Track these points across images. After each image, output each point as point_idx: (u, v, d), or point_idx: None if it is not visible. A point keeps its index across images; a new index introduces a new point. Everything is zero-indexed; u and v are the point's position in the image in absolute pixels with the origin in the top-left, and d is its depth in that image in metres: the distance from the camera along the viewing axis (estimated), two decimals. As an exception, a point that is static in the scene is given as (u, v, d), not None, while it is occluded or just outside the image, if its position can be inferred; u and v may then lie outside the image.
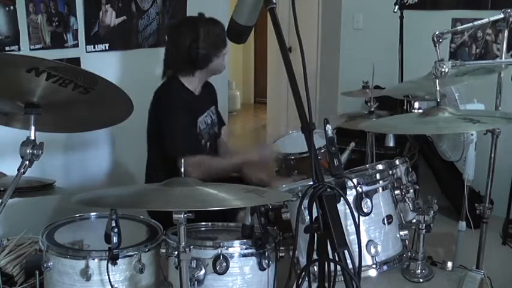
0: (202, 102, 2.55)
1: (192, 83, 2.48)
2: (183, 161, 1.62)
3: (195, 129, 2.45)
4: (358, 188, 1.69)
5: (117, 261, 1.67)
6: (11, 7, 2.48)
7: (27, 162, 1.48)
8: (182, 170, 1.60)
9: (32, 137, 1.50)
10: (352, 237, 1.61)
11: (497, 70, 2.30)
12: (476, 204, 2.44)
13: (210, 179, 2.22)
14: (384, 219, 1.76)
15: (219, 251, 1.62)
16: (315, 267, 1.39)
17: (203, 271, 1.62)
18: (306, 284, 1.39)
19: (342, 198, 1.34)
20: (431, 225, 1.83)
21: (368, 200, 1.70)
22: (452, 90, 2.50)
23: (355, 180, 1.69)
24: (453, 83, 2.31)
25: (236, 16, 1.55)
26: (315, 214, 1.29)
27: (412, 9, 3.92)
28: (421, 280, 1.83)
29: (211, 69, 2.47)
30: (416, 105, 2.52)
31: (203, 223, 1.92)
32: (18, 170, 1.49)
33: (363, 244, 1.69)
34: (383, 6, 3.82)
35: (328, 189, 1.29)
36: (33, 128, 1.51)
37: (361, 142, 2.86)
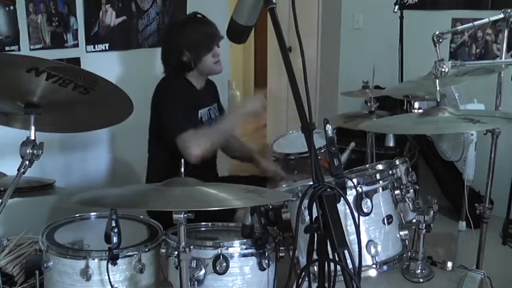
0: (205, 96, 2.54)
1: (192, 79, 2.47)
2: (183, 161, 1.62)
3: (195, 116, 2.43)
4: (358, 188, 1.69)
5: (117, 261, 1.67)
6: (11, 7, 2.48)
7: (27, 162, 1.49)
8: (182, 170, 1.60)
9: (32, 137, 1.50)
10: (352, 237, 1.61)
11: (497, 70, 2.29)
12: (476, 204, 2.44)
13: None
14: (384, 219, 1.76)
15: (219, 251, 1.62)
16: (315, 267, 1.39)
17: (203, 271, 1.62)
18: (306, 284, 1.39)
19: (342, 198, 1.34)
20: (431, 225, 1.83)
21: (368, 200, 1.70)
22: (452, 90, 2.50)
23: (355, 180, 1.69)
24: (453, 83, 2.30)
25: (236, 16, 1.55)
26: (315, 214, 1.29)
27: (412, 9, 3.92)
28: (421, 280, 1.83)
29: (201, 71, 2.44)
30: (416, 105, 2.52)
31: (203, 223, 1.92)
32: (18, 170, 1.49)
33: (363, 244, 1.69)
34: (383, 6, 3.82)
35: (328, 189, 1.29)
36: (33, 128, 1.51)
37: (361, 142, 2.86)
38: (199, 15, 2.47)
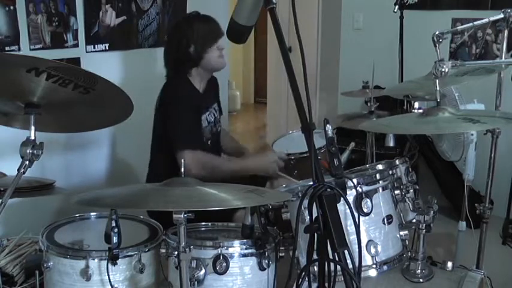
0: (206, 99, 2.56)
1: (195, 80, 2.49)
2: (183, 160, 1.62)
3: (199, 127, 2.46)
4: (358, 188, 1.69)
5: (117, 261, 1.67)
6: (11, 7, 2.48)
7: (27, 162, 1.49)
8: (182, 170, 1.60)
9: (32, 137, 1.51)
10: (352, 237, 1.61)
11: (497, 70, 2.30)
12: (476, 204, 2.44)
13: (211, 179, 2.23)
14: (384, 219, 1.76)
15: (219, 251, 1.62)
16: (315, 267, 1.39)
17: (203, 271, 1.62)
18: (306, 284, 1.39)
19: (342, 198, 1.34)
20: (431, 225, 1.83)
21: (368, 200, 1.70)
22: (452, 90, 2.50)
23: (355, 180, 1.69)
24: (453, 83, 2.31)
25: (236, 16, 1.55)
26: (315, 214, 1.29)
27: (412, 9, 3.92)
28: (421, 280, 1.83)
29: (205, 66, 2.46)
30: (416, 105, 2.52)
31: (203, 223, 1.92)
32: (18, 170, 1.49)
33: (363, 244, 1.69)
34: (383, 6, 3.82)
35: (328, 189, 1.29)
36: (33, 128, 1.51)
37: (361, 142, 2.86)
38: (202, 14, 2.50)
